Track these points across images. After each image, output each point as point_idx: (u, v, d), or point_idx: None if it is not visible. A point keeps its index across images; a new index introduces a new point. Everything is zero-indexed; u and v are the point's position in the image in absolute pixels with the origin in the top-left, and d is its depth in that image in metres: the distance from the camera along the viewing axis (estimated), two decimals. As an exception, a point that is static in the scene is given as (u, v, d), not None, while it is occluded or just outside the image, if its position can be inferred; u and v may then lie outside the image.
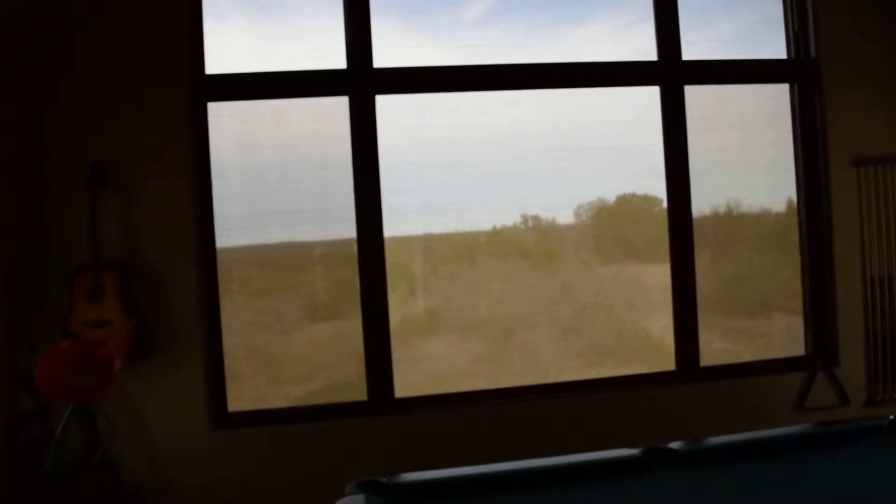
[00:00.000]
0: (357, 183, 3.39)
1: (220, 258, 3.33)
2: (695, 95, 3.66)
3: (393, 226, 3.38)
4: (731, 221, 3.78)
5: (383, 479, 1.99)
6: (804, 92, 3.73)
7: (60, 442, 2.92)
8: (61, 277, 3.05)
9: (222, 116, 3.38)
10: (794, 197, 3.80)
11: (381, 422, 3.36)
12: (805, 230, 3.76)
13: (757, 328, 3.86)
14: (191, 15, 3.25)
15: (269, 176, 3.45)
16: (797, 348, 3.82)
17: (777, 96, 3.79)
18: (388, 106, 3.43)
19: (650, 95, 3.65)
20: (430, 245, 3.38)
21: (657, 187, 3.67)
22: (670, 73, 3.62)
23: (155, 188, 3.19)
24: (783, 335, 3.87)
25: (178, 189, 3.21)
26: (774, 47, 3.81)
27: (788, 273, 3.80)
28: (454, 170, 3.50)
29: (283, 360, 3.45)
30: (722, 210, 3.78)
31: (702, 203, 3.68)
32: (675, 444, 2.17)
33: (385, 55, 3.43)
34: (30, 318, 3.11)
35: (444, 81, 3.49)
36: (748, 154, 3.78)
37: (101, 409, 3.01)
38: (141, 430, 3.15)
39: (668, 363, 3.64)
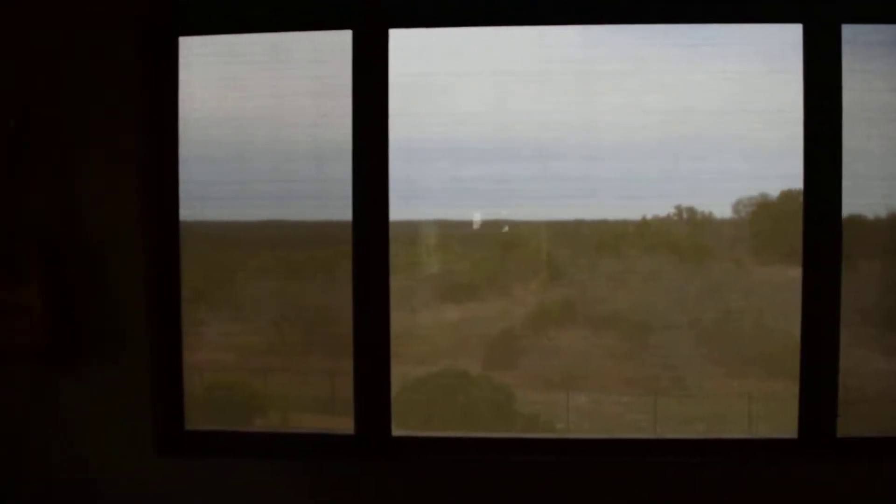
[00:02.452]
0: (357, 159, 2.57)
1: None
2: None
3: (531, 209, 2.67)
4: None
5: None
6: None
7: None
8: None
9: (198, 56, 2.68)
10: None
11: (372, 465, 2.57)
12: None
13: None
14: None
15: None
16: None
17: None
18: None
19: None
20: (576, 232, 2.70)
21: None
22: None
23: (100, 151, 2.52)
24: None
25: (130, 152, 2.53)
26: None
27: None
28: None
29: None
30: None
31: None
32: None
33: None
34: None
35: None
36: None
37: None
38: (70, 452, 2.55)
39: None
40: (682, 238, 2.71)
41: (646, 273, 2.65)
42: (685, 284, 2.64)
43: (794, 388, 2.55)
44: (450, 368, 2.73)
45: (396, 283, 2.61)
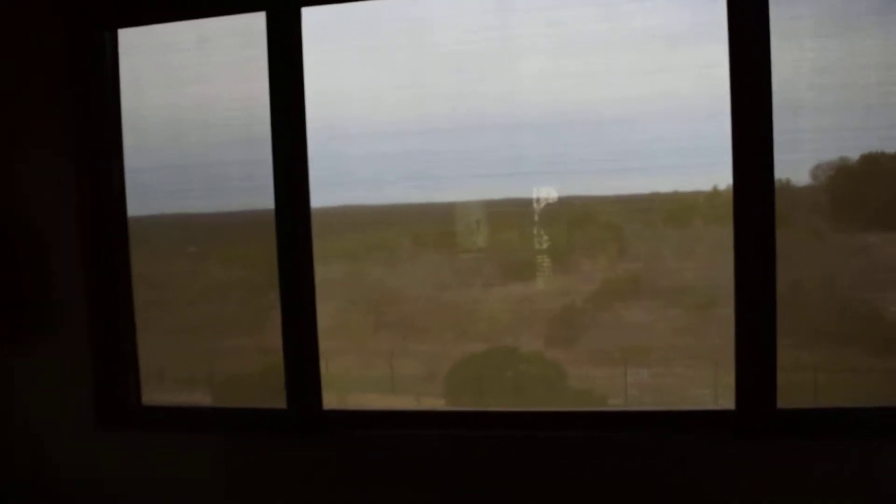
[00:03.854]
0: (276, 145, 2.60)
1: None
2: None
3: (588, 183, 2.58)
4: None
5: None
6: None
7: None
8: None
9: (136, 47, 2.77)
10: None
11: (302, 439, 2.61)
12: None
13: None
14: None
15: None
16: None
17: None
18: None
19: None
20: (645, 206, 2.61)
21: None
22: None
23: (40, 144, 2.67)
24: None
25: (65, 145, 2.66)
26: None
27: None
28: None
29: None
30: None
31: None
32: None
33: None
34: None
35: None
36: None
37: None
38: (22, 420, 2.71)
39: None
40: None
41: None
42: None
43: (866, 360, 2.40)
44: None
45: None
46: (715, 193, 2.50)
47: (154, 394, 2.80)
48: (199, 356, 2.81)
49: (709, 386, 2.57)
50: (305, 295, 2.60)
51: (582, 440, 2.45)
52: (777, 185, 2.35)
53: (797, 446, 2.33)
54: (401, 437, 2.54)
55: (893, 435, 2.29)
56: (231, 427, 2.67)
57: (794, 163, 2.38)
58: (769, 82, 2.31)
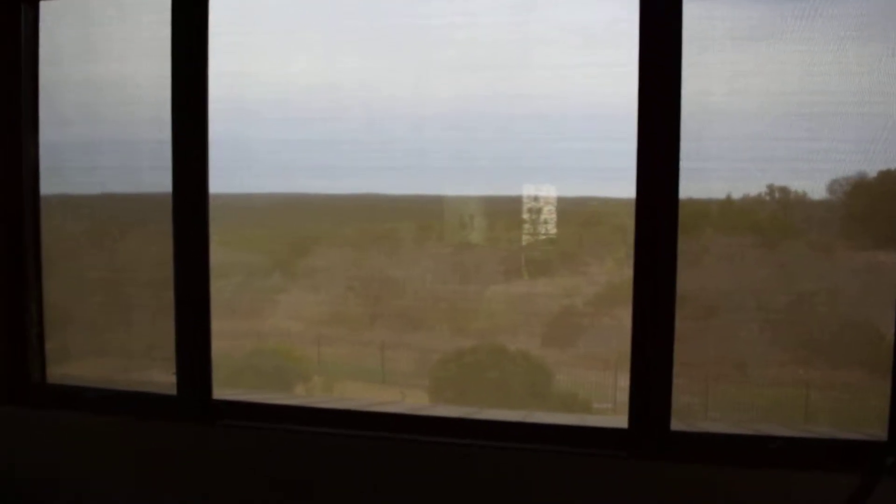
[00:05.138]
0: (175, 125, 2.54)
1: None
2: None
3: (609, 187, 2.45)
4: None
5: None
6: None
7: None
8: None
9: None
10: None
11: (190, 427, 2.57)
12: None
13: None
14: None
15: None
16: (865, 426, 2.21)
17: None
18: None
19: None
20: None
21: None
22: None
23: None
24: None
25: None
26: None
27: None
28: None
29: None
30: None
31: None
32: None
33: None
34: None
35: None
36: None
37: None
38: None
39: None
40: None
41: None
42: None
43: (864, 380, 2.25)
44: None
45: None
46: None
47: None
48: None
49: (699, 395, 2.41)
50: (199, 282, 2.55)
51: (468, 448, 2.36)
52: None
53: (686, 469, 2.20)
54: (284, 431, 2.48)
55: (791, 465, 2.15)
56: (125, 411, 2.64)
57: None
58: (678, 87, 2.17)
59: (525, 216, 2.46)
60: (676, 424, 2.26)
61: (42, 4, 2.74)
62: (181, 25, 2.51)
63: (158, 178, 2.65)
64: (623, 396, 2.35)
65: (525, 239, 2.49)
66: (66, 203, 2.79)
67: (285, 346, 2.75)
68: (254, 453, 2.51)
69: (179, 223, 2.54)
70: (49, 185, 2.77)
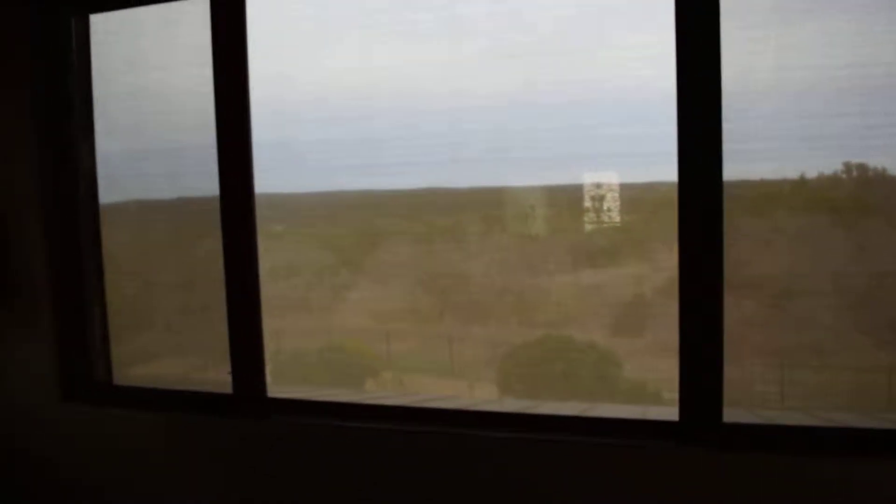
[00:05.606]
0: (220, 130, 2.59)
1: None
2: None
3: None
4: None
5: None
6: None
7: None
8: None
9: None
10: None
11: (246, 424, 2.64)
12: None
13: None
14: None
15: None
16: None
17: None
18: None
19: None
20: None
21: None
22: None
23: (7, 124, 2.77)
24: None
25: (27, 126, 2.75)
26: None
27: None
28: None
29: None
30: None
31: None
32: None
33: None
34: None
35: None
36: None
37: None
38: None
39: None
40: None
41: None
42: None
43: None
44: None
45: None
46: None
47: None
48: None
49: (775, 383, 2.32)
50: (250, 282, 2.60)
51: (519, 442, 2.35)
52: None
53: (739, 460, 2.15)
54: (333, 427, 2.52)
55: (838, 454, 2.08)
56: (182, 408, 2.73)
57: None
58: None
59: (589, 204, 2.42)
60: (746, 415, 2.21)
61: (92, 17, 2.83)
62: (220, 35, 2.55)
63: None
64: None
65: (591, 227, 2.45)
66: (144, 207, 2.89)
67: (355, 343, 2.78)
68: (305, 448, 2.56)
69: (228, 225, 2.60)
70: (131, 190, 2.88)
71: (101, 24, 2.83)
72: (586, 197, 2.42)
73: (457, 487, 2.39)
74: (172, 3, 2.71)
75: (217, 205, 2.61)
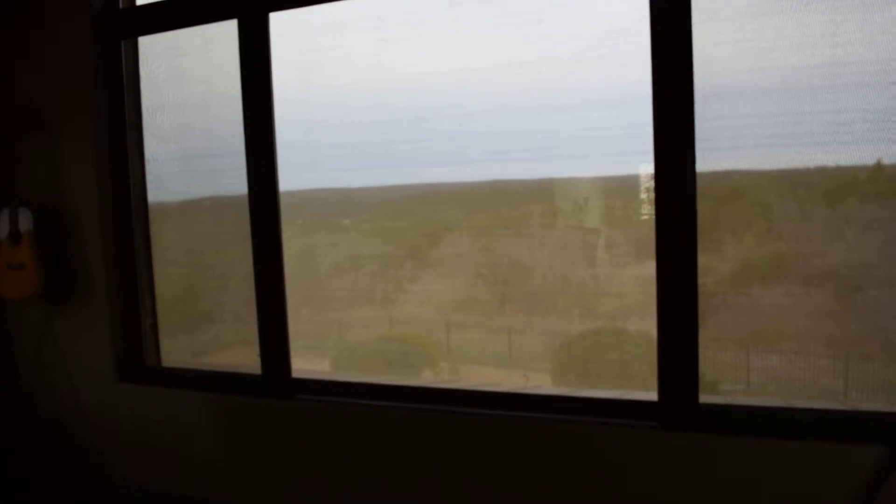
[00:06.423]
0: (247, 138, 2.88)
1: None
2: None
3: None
4: None
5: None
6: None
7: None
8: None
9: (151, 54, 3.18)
10: None
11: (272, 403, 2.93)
12: None
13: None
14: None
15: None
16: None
17: None
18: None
19: None
20: (796, 180, 2.33)
21: None
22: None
23: (74, 134, 3.15)
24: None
25: (90, 137, 3.13)
26: None
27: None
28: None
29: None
30: None
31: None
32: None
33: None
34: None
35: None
36: None
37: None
38: (58, 372, 3.27)
39: None
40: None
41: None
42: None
43: None
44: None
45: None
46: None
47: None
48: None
49: (840, 377, 2.30)
50: (275, 275, 2.88)
51: (509, 420, 2.54)
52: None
53: (714, 441, 2.28)
54: (353, 405, 2.78)
55: (811, 437, 2.18)
56: (217, 388, 3.04)
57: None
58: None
59: (644, 196, 2.46)
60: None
61: (140, 39, 3.17)
62: (247, 52, 2.84)
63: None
64: (756, 377, 2.35)
65: (647, 218, 2.45)
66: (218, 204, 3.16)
67: (416, 333, 2.91)
68: (327, 424, 2.81)
69: (255, 221, 2.89)
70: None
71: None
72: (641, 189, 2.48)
73: (458, 464, 2.61)
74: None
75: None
